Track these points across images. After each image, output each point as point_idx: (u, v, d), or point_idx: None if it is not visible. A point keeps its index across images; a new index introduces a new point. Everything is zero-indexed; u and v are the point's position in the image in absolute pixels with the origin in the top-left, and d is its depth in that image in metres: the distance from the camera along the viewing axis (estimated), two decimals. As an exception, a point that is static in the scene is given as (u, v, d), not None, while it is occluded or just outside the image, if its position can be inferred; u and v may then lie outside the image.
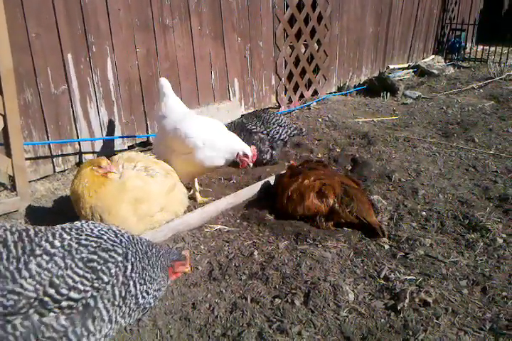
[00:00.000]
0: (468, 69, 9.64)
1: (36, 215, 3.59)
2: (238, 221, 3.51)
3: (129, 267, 1.96)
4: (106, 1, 4.22)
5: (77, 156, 4.36)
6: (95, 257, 1.86)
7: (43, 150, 4.07)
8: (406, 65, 9.33)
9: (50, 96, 4.02)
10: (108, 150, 4.49)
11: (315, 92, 7.23)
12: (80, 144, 4.32)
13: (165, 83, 4.01)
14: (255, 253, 3.04)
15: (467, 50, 11.17)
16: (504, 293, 2.60)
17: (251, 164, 3.66)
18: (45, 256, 1.77)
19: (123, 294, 1.91)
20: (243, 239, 3.24)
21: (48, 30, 3.89)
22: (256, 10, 5.81)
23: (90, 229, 1.99)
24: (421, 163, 4.52)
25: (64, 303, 1.75)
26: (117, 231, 2.06)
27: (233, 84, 5.79)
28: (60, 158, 4.22)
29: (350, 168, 4.50)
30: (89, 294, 1.80)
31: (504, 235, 3.19)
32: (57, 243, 1.83)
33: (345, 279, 2.76)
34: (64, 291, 1.75)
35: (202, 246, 3.16)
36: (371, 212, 3.32)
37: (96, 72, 4.30)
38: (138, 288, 1.98)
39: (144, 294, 2.02)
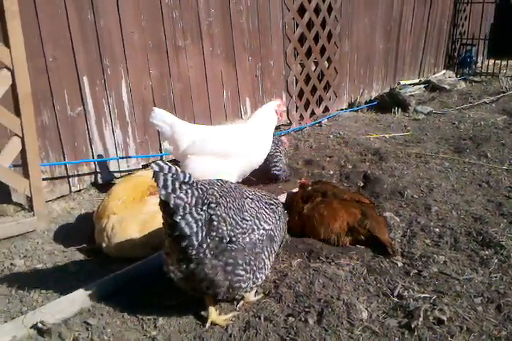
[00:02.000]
0: (480, 84, 9.63)
1: (53, 234, 3.66)
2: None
3: (284, 213, 2.94)
4: (120, 24, 4.35)
5: (93, 176, 4.44)
6: (272, 202, 2.80)
7: (59, 171, 4.16)
8: (417, 81, 9.36)
9: (66, 118, 4.12)
10: (122, 170, 4.57)
11: (326, 109, 7.29)
12: (95, 164, 4.41)
13: (160, 112, 3.89)
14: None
15: (478, 65, 11.17)
16: (519, 311, 2.58)
17: None
18: (249, 200, 2.61)
19: (282, 225, 2.83)
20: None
21: (64, 53, 4.01)
22: (266, 29, 5.92)
23: (262, 191, 2.89)
24: (433, 179, 4.52)
25: (261, 231, 2.56)
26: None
27: (245, 103, 5.87)
28: (76, 178, 4.31)
29: (362, 184, 4.51)
30: (270, 226, 2.64)
31: (518, 251, 3.17)
32: (250, 192, 2.69)
33: (359, 297, 2.76)
34: (262, 223, 2.58)
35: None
36: (384, 230, 3.32)
37: (111, 94, 4.41)
38: (284, 228, 2.91)
39: (284, 231, 2.94)
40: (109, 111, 4.44)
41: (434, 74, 10.01)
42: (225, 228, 2.32)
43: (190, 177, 2.16)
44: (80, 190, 4.36)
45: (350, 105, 7.86)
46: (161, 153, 4.96)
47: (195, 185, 2.19)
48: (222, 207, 2.33)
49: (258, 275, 2.54)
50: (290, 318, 2.59)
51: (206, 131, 3.96)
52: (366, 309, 2.65)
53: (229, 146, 3.91)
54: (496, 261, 3.06)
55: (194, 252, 2.24)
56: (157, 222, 3.25)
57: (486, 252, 3.18)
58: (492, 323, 2.50)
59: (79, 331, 2.51)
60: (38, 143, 3.76)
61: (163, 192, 2.06)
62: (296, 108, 6.73)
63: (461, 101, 8.18)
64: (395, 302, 2.71)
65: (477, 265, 3.06)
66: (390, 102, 7.56)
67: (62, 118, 4.09)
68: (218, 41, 5.33)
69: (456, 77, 10.19)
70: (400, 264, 3.11)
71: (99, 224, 3.32)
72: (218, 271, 2.32)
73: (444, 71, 10.25)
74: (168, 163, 2.13)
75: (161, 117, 3.89)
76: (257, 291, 2.85)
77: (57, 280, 3.01)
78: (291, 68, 6.41)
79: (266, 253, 2.58)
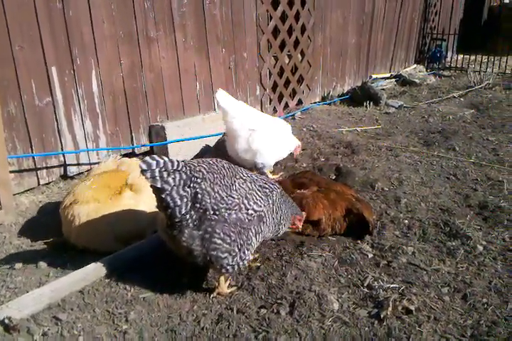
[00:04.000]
0: (449, 78, 9.82)
1: (21, 228, 3.58)
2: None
3: (282, 197, 2.98)
4: (90, 14, 4.26)
5: (62, 168, 4.35)
6: (266, 186, 2.86)
7: (27, 163, 4.06)
8: (388, 75, 9.48)
9: (34, 109, 4.02)
10: (93, 162, 4.49)
11: (299, 102, 7.32)
12: (64, 156, 4.32)
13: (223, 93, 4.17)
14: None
15: (448, 59, 11.39)
16: (484, 300, 2.65)
17: None
18: (241, 180, 2.73)
19: (277, 210, 2.90)
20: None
21: (31, 42, 3.90)
22: (240, 21, 5.88)
23: (259, 175, 2.98)
24: (403, 171, 4.60)
25: (250, 211, 2.67)
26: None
27: (218, 95, 5.82)
28: (45, 170, 4.22)
29: (335, 177, 4.55)
30: (261, 209, 2.74)
31: (484, 242, 3.26)
32: (245, 174, 2.81)
33: (330, 288, 2.79)
34: (251, 203, 2.69)
35: (188, 258, 3.18)
36: (371, 213, 3.46)
37: (80, 85, 4.32)
38: (279, 213, 2.94)
39: (279, 218, 2.94)
40: (79, 102, 4.35)
41: (405, 68, 10.16)
42: (208, 200, 2.51)
43: (178, 163, 2.40)
44: (48, 183, 4.27)
45: (324, 98, 7.91)
46: (133, 145, 4.89)
47: (183, 168, 2.42)
48: (208, 182, 2.54)
49: (242, 251, 2.65)
50: (262, 310, 2.61)
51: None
52: (337, 300, 2.68)
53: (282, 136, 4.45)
54: (462, 251, 3.15)
55: (177, 220, 2.49)
56: (129, 214, 3.25)
57: (453, 243, 3.26)
58: (458, 312, 2.57)
59: (48, 326, 2.47)
60: (5, 134, 3.67)
61: (152, 182, 2.33)
62: (270, 101, 6.74)
63: (431, 95, 8.33)
64: (365, 292, 2.75)
65: (444, 256, 3.13)
66: (362, 96, 7.64)
67: (29, 109, 3.99)
68: (191, 32, 5.27)
69: (427, 71, 10.36)
70: (370, 255, 3.16)
71: (66, 216, 3.24)
72: (195, 240, 2.54)
73: (415, 65, 10.41)
74: (156, 157, 2.33)
75: (225, 98, 4.16)
76: (230, 284, 2.85)
77: (25, 275, 2.95)
78: (264, 61, 6.40)
79: (253, 230, 2.70)
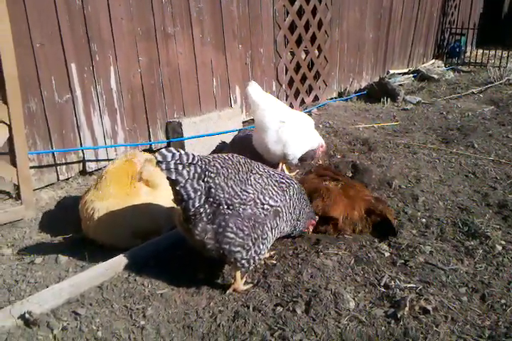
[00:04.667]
0: (468, 74, 9.68)
1: (41, 223, 3.64)
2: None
3: (300, 194, 3.00)
4: (109, 11, 4.28)
5: (81, 164, 4.40)
6: (283, 181, 2.89)
7: (47, 159, 4.12)
8: (406, 70, 9.38)
9: (54, 105, 4.07)
10: (111, 158, 4.53)
11: (316, 98, 7.28)
12: (83, 152, 4.37)
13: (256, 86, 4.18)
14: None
15: (467, 54, 11.23)
16: (503, 301, 2.63)
17: None
18: (257, 175, 2.76)
19: (294, 205, 2.93)
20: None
21: (51, 39, 3.94)
22: (257, 17, 5.87)
23: (277, 171, 3.00)
24: (421, 169, 4.56)
25: (265, 206, 2.71)
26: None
27: (234, 91, 5.84)
28: (64, 166, 4.27)
29: (351, 174, 4.53)
30: (277, 204, 2.78)
31: (503, 242, 3.22)
32: (261, 169, 2.83)
33: (346, 287, 2.79)
34: (267, 198, 2.73)
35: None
36: (391, 212, 3.46)
37: (99, 81, 4.35)
38: (297, 209, 2.98)
39: (298, 214, 3.00)
40: (98, 99, 4.39)
41: (423, 63, 10.05)
42: (222, 195, 2.57)
43: (193, 157, 2.48)
44: (68, 179, 4.33)
45: (340, 94, 7.87)
46: (150, 141, 4.93)
47: (198, 162, 2.50)
48: (222, 177, 2.59)
49: (257, 245, 2.68)
50: (278, 308, 2.62)
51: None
52: (353, 299, 2.68)
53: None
54: (481, 251, 3.11)
55: (191, 213, 2.55)
56: (146, 210, 3.28)
57: (472, 243, 3.23)
58: (476, 313, 2.55)
59: (67, 321, 2.51)
60: (26, 130, 3.72)
61: (167, 173, 2.40)
62: (286, 97, 6.72)
63: (450, 91, 8.23)
64: (381, 292, 2.75)
65: (462, 255, 3.10)
66: (379, 92, 7.58)
67: (49, 106, 4.03)
68: (208, 28, 5.27)
69: (445, 66, 10.23)
70: (386, 254, 3.15)
71: (85, 212, 3.29)
72: (208, 233, 2.59)
73: (434, 60, 10.29)
74: (172, 150, 2.41)
75: (256, 90, 4.18)
76: (246, 281, 2.87)
77: (45, 270, 3.00)
78: (281, 56, 6.38)
79: (268, 225, 2.73)
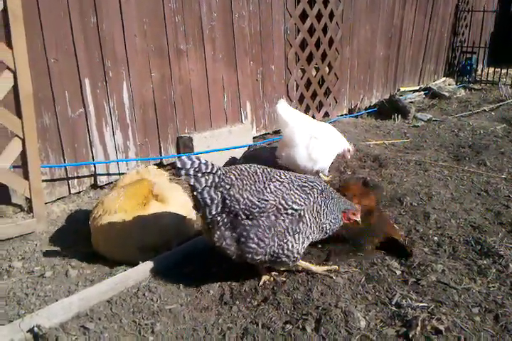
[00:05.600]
0: (480, 92, 9.67)
1: (52, 236, 3.65)
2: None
3: (323, 193, 2.94)
4: (123, 28, 4.35)
5: (92, 178, 4.43)
6: (306, 184, 2.88)
7: (59, 173, 4.15)
8: (417, 88, 9.39)
9: (67, 120, 4.12)
10: (122, 172, 4.56)
11: (326, 114, 7.30)
12: (95, 166, 4.40)
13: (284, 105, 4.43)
14: (266, 277, 3.05)
15: (478, 73, 11.22)
16: (517, 322, 2.58)
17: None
18: (278, 182, 2.79)
19: (319, 210, 2.89)
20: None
21: (66, 55, 4.00)
22: (268, 34, 5.93)
23: (300, 175, 2.99)
24: (432, 186, 4.52)
25: (289, 211, 2.75)
26: (316, 178, 3.06)
27: (245, 107, 5.87)
28: (76, 179, 4.30)
29: (362, 191, 4.51)
30: (302, 207, 2.79)
31: (517, 261, 3.17)
32: (283, 176, 2.86)
33: (357, 305, 2.75)
34: (290, 203, 2.75)
35: (213, 269, 3.19)
36: (398, 232, 3.40)
37: (112, 96, 4.41)
38: (324, 211, 2.92)
39: (325, 216, 2.94)
40: (110, 114, 4.44)
41: (434, 81, 10.06)
42: (237, 206, 2.66)
43: (212, 166, 2.61)
44: (79, 192, 4.35)
45: (350, 111, 7.88)
46: (161, 156, 4.96)
47: (217, 172, 2.63)
48: (237, 189, 2.68)
49: (276, 251, 2.77)
50: (288, 325, 2.59)
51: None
52: (364, 317, 2.64)
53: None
54: (494, 270, 3.06)
55: (208, 221, 2.70)
56: (155, 226, 3.28)
57: (484, 261, 3.18)
58: (489, 334, 2.50)
59: (76, 335, 2.50)
60: (38, 144, 3.76)
61: (185, 179, 2.56)
62: (297, 113, 6.73)
63: (461, 108, 8.22)
64: (392, 311, 2.70)
65: (475, 274, 3.05)
66: (389, 109, 7.58)
67: (62, 120, 4.08)
68: (220, 45, 5.33)
69: (456, 84, 10.23)
70: (398, 272, 3.11)
71: (95, 227, 3.30)
72: (226, 240, 2.72)
73: (444, 78, 10.29)
74: (193, 158, 2.57)
75: (285, 109, 4.44)
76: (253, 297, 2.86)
77: (55, 284, 3.00)
78: (292, 73, 6.43)
79: (290, 231, 2.78)
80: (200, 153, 5.02)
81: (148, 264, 3.13)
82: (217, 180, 2.63)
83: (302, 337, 2.49)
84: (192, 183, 2.56)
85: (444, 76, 10.51)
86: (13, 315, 2.66)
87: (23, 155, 3.56)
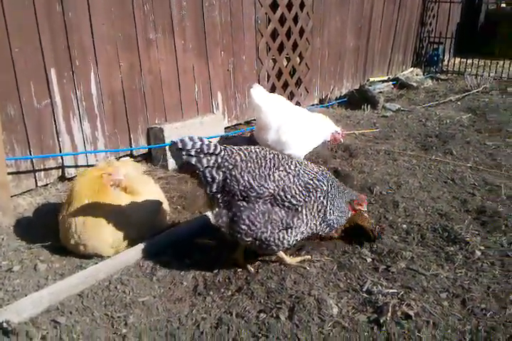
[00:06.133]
0: (446, 82, 9.86)
1: (19, 230, 3.56)
2: (223, 235, 3.52)
3: (328, 194, 2.91)
4: (90, 16, 4.24)
5: (60, 170, 4.33)
6: (311, 182, 2.84)
7: (25, 165, 4.04)
8: (386, 78, 9.50)
9: (32, 111, 4.00)
10: (90, 164, 4.48)
11: (297, 104, 7.27)
12: (62, 158, 4.30)
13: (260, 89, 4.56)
14: (239, 268, 3.07)
15: (445, 63, 11.42)
16: (483, 305, 2.66)
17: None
18: (284, 172, 2.79)
19: (319, 209, 2.88)
20: (227, 253, 3.25)
21: (30, 44, 3.88)
22: (239, 24, 5.88)
23: (311, 167, 2.96)
24: (401, 175, 4.61)
25: (286, 204, 2.77)
26: (325, 172, 3.01)
27: (216, 98, 5.83)
28: (43, 172, 4.20)
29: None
30: (300, 203, 2.79)
31: (482, 247, 3.27)
32: (292, 167, 2.85)
33: (329, 293, 2.80)
34: (288, 196, 2.77)
35: (187, 261, 3.18)
36: (364, 219, 3.41)
37: (79, 87, 4.30)
38: (328, 207, 2.92)
39: (331, 212, 2.94)
40: (78, 104, 4.34)
41: (402, 71, 10.18)
42: (236, 187, 2.72)
43: (215, 147, 2.69)
44: (46, 185, 4.25)
45: (321, 101, 7.92)
46: (131, 147, 4.89)
47: (221, 152, 2.71)
48: (239, 170, 2.73)
49: (265, 236, 2.80)
50: (262, 314, 2.61)
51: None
52: (336, 304, 2.69)
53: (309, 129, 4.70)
54: (460, 257, 3.15)
55: (209, 197, 2.83)
56: (127, 218, 3.23)
57: (452, 248, 3.27)
58: (457, 317, 2.58)
59: (47, 330, 2.47)
60: (3, 136, 3.65)
61: (186, 159, 2.65)
62: (268, 103, 6.72)
63: (428, 98, 8.37)
64: (364, 297, 2.76)
65: (443, 261, 3.14)
66: (359, 99, 7.65)
67: (28, 111, 3.97)
68: (190, 35, 5.26)
69: (424, 74, 10.39)
70: (369, 260, 3.17)
71: (63, 224, 3.18)
72: (223, 218, 2.81)
73: (412, 69, 10.43)
74: (195, 138, 2.65)
75: (259, 93, 4.54)
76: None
77: (23, 278, 2.94)
78: (263, 63, 6.41)
79: (284, 222, 2.80)
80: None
81: (120, 257, 3.10)
82: (219, 160, 2.71)
83: (276, 325, 2.51)
84: (193, 163, 2.66)
85: (411, 66, 10.66)
86: (-19, 311, 2.59)
87: (-13, 147, 3.45)
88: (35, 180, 4.16)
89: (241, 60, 6.08)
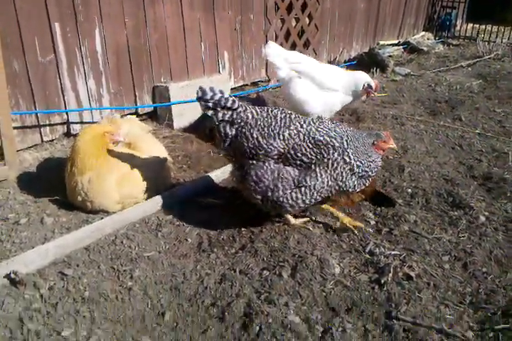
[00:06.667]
0: (458, 47, 9.64)
1: (25, 184, 3.58)
2: (227, 194, 3.54)
3: (346, 148, 2.77)
4: (95, -32, 4.11)
5: (65, 126, 4.31)
6: (321, 139, 2.73)
7: (30, 120, 4.01)
8: (396, 42, 9.28)
9: (37, 66, 3.93)
10: (95, 121, 4.44)
11: (304, 67, 7.18)
12: (67, 114, 4.27)
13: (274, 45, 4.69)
14: (243, 227, 3.09)
15: (457, 28, 11.14)
16: (484, 269, 2.70)
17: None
18: (294, 131, 2.74)
19: (334, 166, 2.76)
20: (232, 213, 3.27)
21: (34, -3, 3.78)
22: (248, -19, 5.70)
23: (328, 123, 2.86)
24: (408, 140, 4.58)
25: (297, 162, 2.73)
26: (340, 127, 2.88)
27: (223, 57, 5.72)
28: (48, 127, 4.17)
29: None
30: (312, 161, 2.73)
31: (487, 213, 3.27)
32: (304, 126, 2.78)
33: (332, 253, 2.83)
34: (299, 154, 2.72)
35: (192, 219, 3.20)
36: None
37: (84, 42, 4.21)
38: (352, 159, 2.78)
39: (358, 164, 2.81)
40: (82, 60, 4.26)
41: (413, 35, 9.94)
42: (246, 144, 2.74)
43: (233, 102, 2.73)
44: (52, 140, 4.24)
45: (330, 63, 7.76)
46: (136, 105, 4.83)
47: (238, 108, 2.74)
48: (248, 127, 2.75)
49: (276, 195, 2.78)
50: (265, 272, 2.65)
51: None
52: (339, 264, 2.72)
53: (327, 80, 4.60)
54: (464, 221, 3.17)
55: (223, 153, 2.99)
56: (132, 174, 3.23)
57: (456, 213, 3.28)
58: (458, 280, 2.61)
59: (54, 281, 2.51)
60: (8, 90, 3.60)
61: (203, 110, 2.75)
62: (275, 64, 6.60)
63: (439, 63, 8.21)
64: (366, 258, 2.79)
65: (446, 225, 3.15)
66: (368, 62, 7.51)
67: (32, 66, 3.90)
68: (198, -9, 5.11)
69: (435, 39, 10.15)
70: (372, 222, 3.19)
71: (70, 183, 3.16)
72: (235, 175, 2.92)
73: (423, 33, 10.18)
74: (215, 90, 2.68)
75: (275, 51, 4.65)
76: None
77: (30, 231, 2.97)
78: (271, 23, 6.25)
79: (295, 182, 2.76)
80: (177, 103, 4.91)
81: (126, 213, 3.13)
82: (235, 116, 2.73)
83: (279, 282, 2.55)
84: (210, 115, 2.72)
85: (423, 30, 10.39)
86: (-11, 262, 2.64)
87: (-8, 101, 3.42)
88: (41, 135, 4.14)
89: (249, 19, 5.92)
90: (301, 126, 2.78)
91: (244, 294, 2.47)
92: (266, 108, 2.85)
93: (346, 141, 2.80)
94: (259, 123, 2.75)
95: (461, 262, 2.77)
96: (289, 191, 2.77)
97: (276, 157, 2.74)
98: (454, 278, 2.63)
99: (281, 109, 2.89)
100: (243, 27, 5.88)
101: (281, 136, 2.73)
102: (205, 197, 3.47)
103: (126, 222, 3.08)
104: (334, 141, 2.77)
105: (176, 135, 4.72)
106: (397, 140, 4.57)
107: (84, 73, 4.31)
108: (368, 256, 2.81)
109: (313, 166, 2.76)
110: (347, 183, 2.84)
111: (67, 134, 4.35)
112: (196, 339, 2.22)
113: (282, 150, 2.73)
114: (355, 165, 2.80)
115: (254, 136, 2.73)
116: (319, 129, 2.79)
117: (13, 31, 3.72)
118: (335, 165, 2.77)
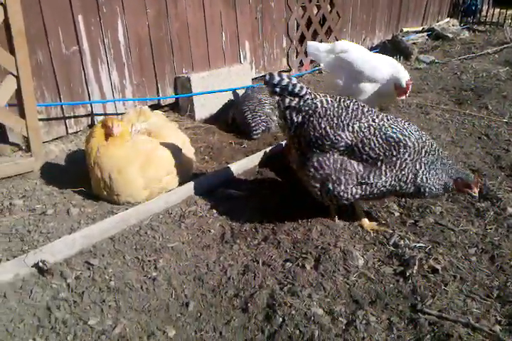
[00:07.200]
0: (484, 34, 9.40)
1: (51, 175, 3.63)
2: (250, 186, 3.54)
3: (418, 153, 2.65)
4: (116, -41, 4.11)
5: (90, 118, 4.36)
6: (394, 136, 2.61)
7: (55, 112, 4.06)
8: (420, 28, 9.10)
9: (61, 57, 3.97)
10: (119, 113, 4.48)
11: (327, 55, 7.09)
12: (91, 106, 4.31)
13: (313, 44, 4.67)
14: (265, 218, 3.09)
15: (483, 13, 10.84)
16: (512, 262, 2.65)
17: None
18: (366, 124, 2.65)
19: (402, 167, 2.65)
20: (254, 204, 3.27)
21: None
22: (269, -32, 5.63)
23: (401, 123, 2.72)
24: (433, 130, 4.49)
25: (363, 156, 2.64)
26: (420, 132, 2.74)
27: (244, 47, 5.69)
28: (73, 119, 4.22)
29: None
30: (380, 157, 2.62)
31: (514, 204, 3.21)
32: (376, 120, 2.67)
33: (355, 245, 2.81)
34: (366, 149, 2.62)
35: (214, 210, 3.22)
36: None
37: (107, 34, 4.24)
38: (421, 171, 2.67)
39: (424, 178, 2.68)
40: (105, 52, 4.28)
41: (437, 22, 9.74)
42: (312, 133, 2.68)
43: (301, 88, 2.68)
44: (77, 132, 4.29)
45: (352, 52, 7.66)
46: (159, 96, 4.85)
47: (305, 95, 2.69)
48: (317, 116, 2.68)
49: (338, 189, 2.72)
50: (288, 263, 2.65)
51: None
52: (362, 256, 2.70)
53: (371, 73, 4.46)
54: (491, 213, 3.10)
55: (288, 140, 2.91)
56: (156, 155, 3.24)
57: (483, 204, 3.22)
58: (485, 273, 2.57)
59: (81, 270, 2.56)
60: (33, 82, 3.65)
61: (272, 94, 2.74)
62: (297, 53, 6.56)
63: (464, 50, 8.02)
64: (390, 250, 2.76)
65: (473, 216, 3.10)
66: (392, 50, 7.37)
67: (56, 58, 3.94)
68: (219, -21, 5.07)
69: (460, 25, 9.91)
70: (396, 214, 3.15)
71: (95, 175, 3.18)
72: (295, 162, 2.86)
73: (448, 19, 9.95)
74: (284, 75, 2.67)
75: (315, 48, 4.61)
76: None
77: (57, 221, 3.02)
78: (292, 11, 6.18)
79: (358, 177, 2.68)
80: (199, 94, 4.91)
81: (150, 204, 3.15)
82: (302, 103, 2.69)
83: (302, 274, 2.55)
84: (276, 100, 2.70)
85: (447, 16, 10.17)
86: (17, 251, 2.70)
87: (19, 93, 3.46)
88: (66, 127, 4.19)
89: (270, 7, 5.87)
90: (373, 120, 2.67)
91: (267, 285, 2.48)
92: (338, 97, 2.76)
93: (422, 147, 2.66)
94: (328, 112, 2.67)
95: (488, 255, 2.72)
96: (351, 186, 2.70)
97: (342, 149, 2.65)
98: (480, 271, 2.59)
99: (353, 100, 2.78)
100: (264, 15, 5.83)
101: (350, 127, 2.64)
102: (227, 189, 3.48)
103: (150, 212, 3.11)
104: (407, 140, 2.63)
105: (197, 126, 4.73)
106: (422, 129, 4.48)
107: (108, 65, 4.34)
108: (392, 248, 2.78)
109: (379, 163, 2.65)
110: (409, 186, 2.72)
111: (92, 126, 4.38)
112: (220, 329, 2.23)
113: (350, 143, 2.63)
114: (418, 175, 2.68)
115: (322, 125, 2.65)
116: (392, 126, 2.66)
117: (38, 23, 3.75)
118: (403, 165, 2.66)
